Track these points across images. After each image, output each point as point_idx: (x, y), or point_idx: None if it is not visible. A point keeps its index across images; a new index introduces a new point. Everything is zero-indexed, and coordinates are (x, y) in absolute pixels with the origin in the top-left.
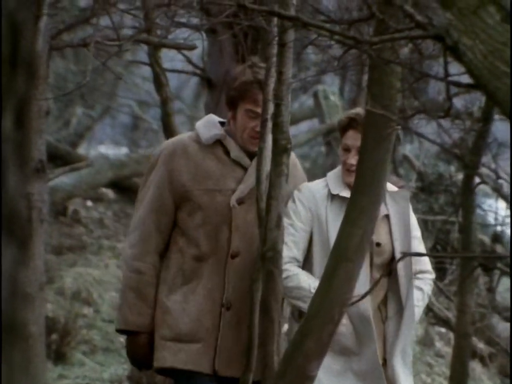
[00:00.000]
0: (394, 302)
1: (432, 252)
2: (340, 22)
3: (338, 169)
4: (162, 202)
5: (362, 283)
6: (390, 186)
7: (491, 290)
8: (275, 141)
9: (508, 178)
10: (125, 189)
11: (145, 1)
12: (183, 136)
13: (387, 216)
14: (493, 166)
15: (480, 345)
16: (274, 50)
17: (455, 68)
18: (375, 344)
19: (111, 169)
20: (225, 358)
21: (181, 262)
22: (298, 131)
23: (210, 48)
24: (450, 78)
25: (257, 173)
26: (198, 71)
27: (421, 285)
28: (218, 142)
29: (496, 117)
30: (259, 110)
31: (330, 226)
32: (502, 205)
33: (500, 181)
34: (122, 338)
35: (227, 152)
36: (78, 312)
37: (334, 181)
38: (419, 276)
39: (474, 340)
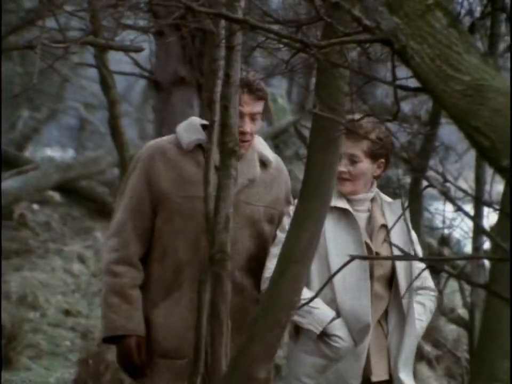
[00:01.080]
0: (396, 316)
1: None
2: (287, 25)
3: None
4: (141, 207)
5: (363, 296)
6: (386, 197)
7: (439, 292)
8: (223, 144)
9: (454, 181)
10: (72, 191)
11: (91, 3)
12: (163, 139)
13: (385, 226)
14: (440, 169)
15: (427, 348)
16: (222, 53)
17: (402, 72)
18: (361, 363)
19: (58, 172)
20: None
21: (160, 273)
22: None
23: (158, 50)
24: (398, 82)
25: (205, 175)
26: (145, 73)
27: (423, 300)
28: (199, 147)
29: (443, 120)
30: (243, 109)
31: (329, 239)
32: (449, 208)
33: (447, 184)
34: (68, 342)
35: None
36: (24, 316)
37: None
38: (420, 292)
39: (421, 342)
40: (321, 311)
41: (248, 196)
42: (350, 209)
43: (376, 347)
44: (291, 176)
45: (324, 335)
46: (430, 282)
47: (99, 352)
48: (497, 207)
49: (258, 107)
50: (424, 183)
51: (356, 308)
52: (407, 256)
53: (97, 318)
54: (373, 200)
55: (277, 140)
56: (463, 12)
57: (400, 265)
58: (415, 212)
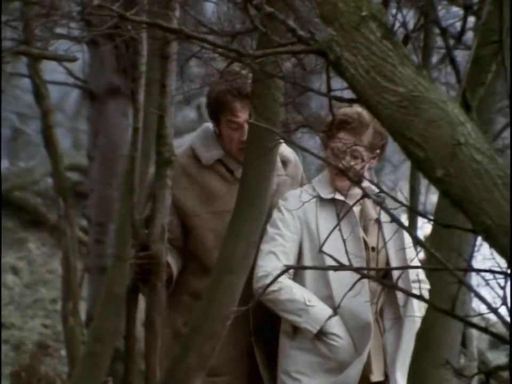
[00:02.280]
0: (391, 314)
1: None
2: (222, 35)
3: (323, 175)
4: (175, 230)
5: (362, 293)
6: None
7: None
8: (159, 153)
9: (390, 192)
10: (5, 202)
11: (24, 12)
12: (179, 155)
13: (378, 221)
14: (375, 180)
15: None
16: (157, 62)
17: (337, 83)
18: (363, 361)
19: None
20: None
21: (197, 289)
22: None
23: (92, 59)
24: (332, 93)
25: (129, 183)
26: (79, 83)
27: (415, 317)
28: (219, 160)
29: None
30: (239, 119)
31: (322, 233)
32: (384, 218)
33: (382, 194)
34: (1, 355)
35: (230, 170)
36: None
37: (322, 186)
38: (414, 285)
39: None
40: (318, 309)
41: (274, 201)
42: (349, 202)
43: (374, 346)
44: None
45: (321, 334)
46: (422, 275)
47: (32, 364)
48: (431, 217)
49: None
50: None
51: (353, 306)
52: (341, 267)
53: (30, 330)
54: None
55: None
56: (396, 24)
57: (394, 260)
58: None
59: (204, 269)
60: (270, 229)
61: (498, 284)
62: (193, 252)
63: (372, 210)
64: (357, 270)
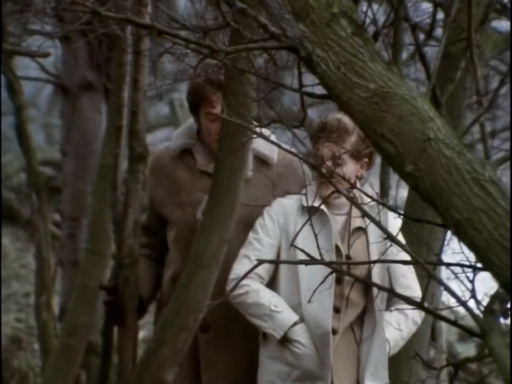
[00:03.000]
0: (371, 323)
1: None
2: (195, 31)
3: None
4: (150, 223)
5: (326, 301)
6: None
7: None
8: (131, 149)
9: (360, 187)
10: None
11: None
12: (160, 148)
13: (363, 229)
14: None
15: None
16: (129, 58)
17: (309, 79)
18: (329, 371)
19: None
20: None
21: (165, 285)
22: (154, 139)
23: (65, 55)
24: (304, 89)
25: (113, 179)
26: (52, 79)
27: (405, 310)
28: (189, 151)
29: None
30: (216, 110)
31: (299, 240)
32: (355, 213)
33: (353, 190)
34: None
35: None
36: None
37: (308, 194)
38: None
39: None
40: (283, 315)
41: (241, 198)
42: (326, 210)
43: (344, 354)
44: None
45: (286, 341)
46: (417, 292)
47: (5, 358)
48: (401, 212)
49: None
50: (331, 188)
51: (318, 313)
52: (311, 261)
53: (3, 324)
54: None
55: None
56: (367, 20)
57: (375, 271)
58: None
59: (168, 266)
60: (250, 234)
61: (467, 277)
62: (168, 248)
63: (359, 220)
64: (327, 263)
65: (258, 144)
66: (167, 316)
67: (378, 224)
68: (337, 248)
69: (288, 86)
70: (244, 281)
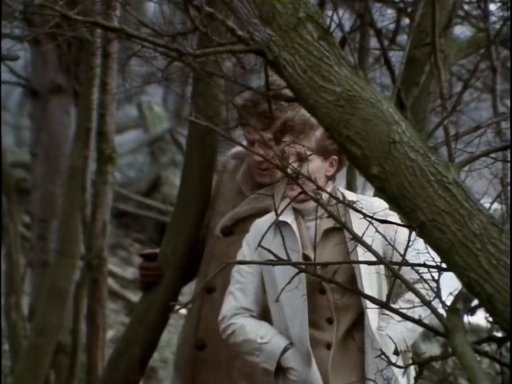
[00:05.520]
0: (364, 333)
1: None
2: (163, 35)
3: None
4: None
5: (302, 318)
6: (353, 197)
7: None
8: (100, 150)
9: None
10: None
11: None
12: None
13: (336, 230)
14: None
15: None
16: (98, 60)
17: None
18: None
19: None
20: None
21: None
22: (123, 140)
23: (34, 58)
24: (271, 92)
25: (82, 181)
26: (22, 81)
27: (411, 297)
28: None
29: None
30: (250, 136)
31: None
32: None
33: (319, 191)
34: None
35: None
36: None
37: (281, 207)
38: (407, 305)
39: None
40: (271, 345)
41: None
42: (288, 220)
43: (342, 364)
44: (168, 182)
45: (281, 370)
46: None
47: None
48: (368, 213)
49: (270, 133)
50: (298, 189)
51: (297, 333)
52: (280, 262)
53: None
54: (331, 201)
55: (153, 147)
56: (333, 25)
57: (363, 271)
58: None
59: None
60: (233, 267)
61: (432, 277)
62: None
63: (328, 220)
64: (294, 264)
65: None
66: (137, 315)
67: (344, 225)
68: (306, 256)
69: (256, 89)
70: (231, 320)
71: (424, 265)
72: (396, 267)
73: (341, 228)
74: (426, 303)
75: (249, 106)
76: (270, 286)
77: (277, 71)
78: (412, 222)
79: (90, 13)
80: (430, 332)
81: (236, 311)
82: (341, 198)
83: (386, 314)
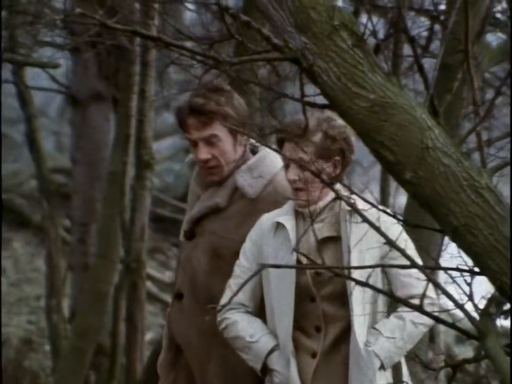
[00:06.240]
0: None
1: None
2: (200, 43)
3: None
4: None
5: (288, 321)
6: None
7: None
8: (139, 156)
9: (361, 194)
10: None
11: (9, 20)
12: None
13: (334, 238)
14: (347, 182)
15: None
16: (137, 68)
17: (310, 89)
18: None
19: None
20: None
21: None
22: (161, 147)
23: (75, 66)
24: (306, 99)
25: (121, 185)
26: (62, 89)
27: (403, 313)
28: None
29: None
30: (191, 136)
31: (270, 261)
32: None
33: (354, 196)
34: None
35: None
36: None
37: (286, 208)
38: (414, 301)
39: None
40: (259, 344)
41: (211, 225)
42: (286, 223)
43: (325, 375)
44: None
45: (267, 371)
46: (417, 287)
47: (17, 360)
48: (400, 217)
49: (209, 130)
50: (332, 195)
51: (284, 335)
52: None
53: (16, 326)
54: (332, 207)
55: (190, 152)
56: (367, 33)
57: (360, 277)
58: None
59: None
60: (235, 267)
61: (465, 281)
62: None
63: (329, 227)
64: (328, 268)
65: (241, 176)
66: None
67: (378, 230)
68: (299, 260)
69: (290, 96)
70: (225, 314)
71: (457, 269)
72: (429, 271)
73: (338, 237)
74: (459, 307)
75: (183, 107)
76: (266, 283)
77: (311, 79)
78: (445, 226)
79: (129, 22)
80: (463, 335)
81: (232, 306)
82: (337, 206)
83: (376, 329)
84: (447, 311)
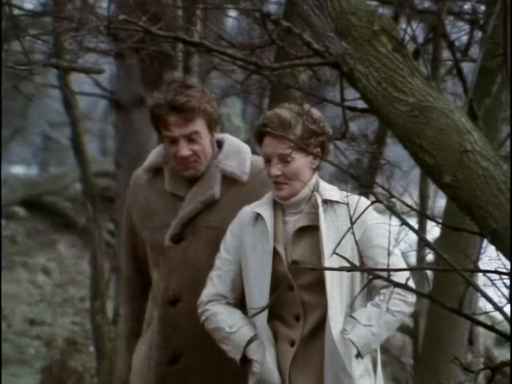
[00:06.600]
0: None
1: None
2: (242, 48)
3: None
4: (132, 242)
5: (263, 302)
6: (329, 192)
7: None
8: None
9: (400, 197)
10: (37, 206)
11: (54, 26)
12: (142, 166)
13: (311, 228)
14: (386, 185)
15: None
16: (180, 73)
17: (350, 93)
18: None
19: (23, 188)
20: None
21: (148, 308)
22: None
23: (119, 71)
24: (346, 103)
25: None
26: (106, 94)
27: (380, 302)
28: (162, 171)
29: (390, 139)
30: (172, 133)
31: (249, 253)
32: (394, 222)
33: (393, 199)
34: (33, 350)
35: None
36: None
37: (266, 199)
38: (383, 291)
39: None
40: (238, 335)
41: (207, 220)
42: (264, 214)
43: (303, 363)
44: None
45: (247, 361)
46: (401, 278)
47: (62, 360)
48: (439, 221)
49: (192, 127)
50: (372, 198)
51: (261, 326)
52: (354, 268)
53: (60, 327)
54: (309, 198)
55: None
56: (407, 37)
57: (334, 273)
58: None
59: (152, 291)
60: (216, 260)
61: (504, 284)
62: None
63: (305, 217)
64: (367, 270)
65: (226, 164)
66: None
67: (416, 231)
68: (275, 251)
69: (331, 100)
70: (205, 306)
71: (496, 271)
72: (468, 274)
73: (314, 227)
74: (498, 309)
75: (163, 104)
76: (245, 274)
77: (351, 83)
78: (484, 229)
79: (172, 28)
80: (502, 337)
81: (212, 298)
82: (314, 197)
83: (353, 318)
84: (486, 313)
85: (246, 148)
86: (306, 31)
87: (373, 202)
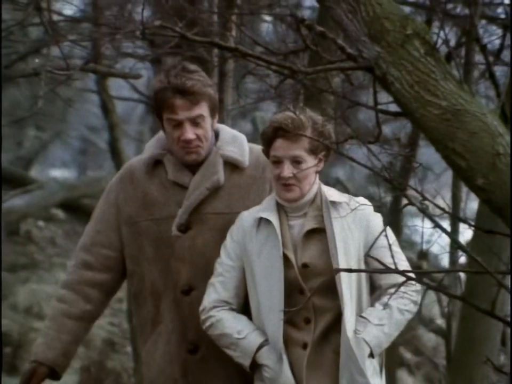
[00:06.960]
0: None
1: None
2: (276, 53)
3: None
4: (107, 235)
5: (274, 309)
6: (332, 194)
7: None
8: None
9: (432, 200)
10: (75, 209)
11: (92, 32)
12: (135, 158)
13: (318, 230)
14: (419, 188)
15: (407, 355)
16: (215, 78)
17: (383, 97)
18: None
19: (62, 191)
20: None
21: (143, 307)
22: None
23: (155, 76)
24: (379, 107)
25: None
26: (143, 98)
27: (390, 301)
28: (161, 163)
29: (422, 142)
30: (178, 116)
31: (254, 259)
32: (427, 225)
33: (426, 202)
34: None
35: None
36: (31, 326)
37: (267, 203)
38: (390, 290)
39: (402, 349)
40: (248, 341)
41: (214, 206)
42: (271, 218)
43: (317, 365)
44: None
45: (256, 367)
46: (397, 280)
47: (100, 360)
48: (472, 223)
49: (197, 110)
50: (404, 201)
51: (274, 330)
52: (388, 270)
53: (98, 328)
54: (313, 201)
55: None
56: (439, 41)
57: (343, 275)
58: (396, 228)
59: (143, 286)
60: (216, 264)
61: None
62: (135, 264)
63: (312, 220)
64: (401, 272)
65: (227, 150)
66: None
67: (448, 234)
68: (285, 256)
69: (364, 104)
70: (209, 312)
71: None
72: (501, 276)
73: (321, 229)
74: None
75: (168, 88)
76: (250, 280)
77: (384, 87)
78: None
79: (207, 33)
80: None
81: (216, 304)
82: (319, 199)
83: (364, 318)
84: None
85: (242, 135)
86: (340, 35)
87: (405, 205)
